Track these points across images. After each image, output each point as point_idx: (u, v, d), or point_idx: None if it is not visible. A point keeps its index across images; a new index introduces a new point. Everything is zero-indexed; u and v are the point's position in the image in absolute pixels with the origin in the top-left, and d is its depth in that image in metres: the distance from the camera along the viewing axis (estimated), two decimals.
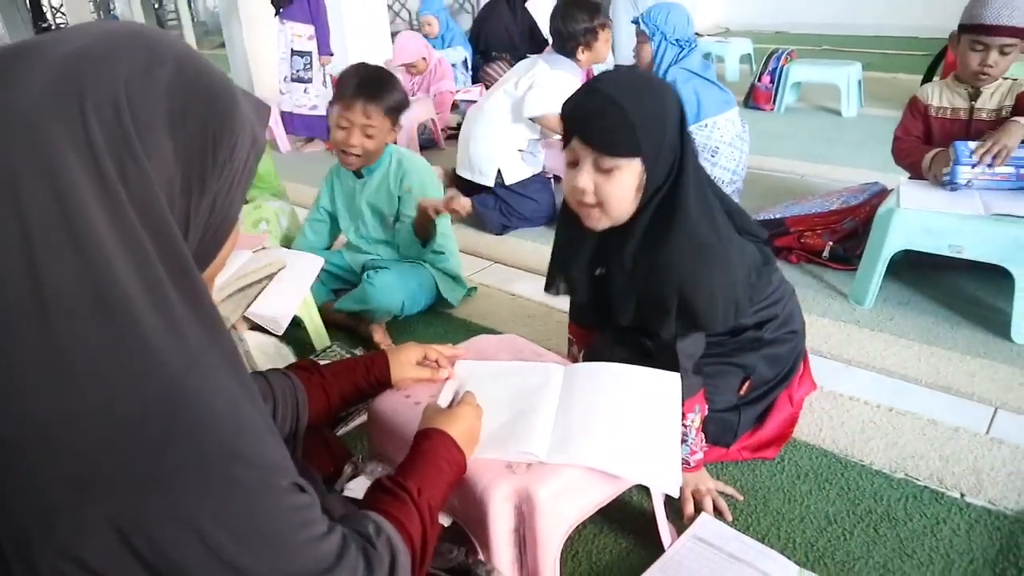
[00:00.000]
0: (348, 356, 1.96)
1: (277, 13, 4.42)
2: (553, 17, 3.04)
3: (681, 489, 1.42)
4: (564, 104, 1.30)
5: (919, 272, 2.42)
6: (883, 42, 7.58)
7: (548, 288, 1.59)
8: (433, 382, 1.31)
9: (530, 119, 2.99)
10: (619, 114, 1.20)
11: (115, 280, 0.56)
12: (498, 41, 5.58)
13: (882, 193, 2.61)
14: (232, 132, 0.66)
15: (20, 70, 0.57)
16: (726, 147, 3.08)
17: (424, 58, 4.56)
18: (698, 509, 1.45)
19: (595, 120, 1.23)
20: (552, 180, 3.22)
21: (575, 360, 1.62)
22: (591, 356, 1.48)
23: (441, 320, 2.34)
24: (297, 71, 4.48)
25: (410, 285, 2.24)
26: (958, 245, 2.10)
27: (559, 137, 3.69)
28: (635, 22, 3.02)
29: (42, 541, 0.54)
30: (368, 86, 2.10)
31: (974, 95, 2.33)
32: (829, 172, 3.63)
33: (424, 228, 2.22)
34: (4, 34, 10.79)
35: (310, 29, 4.40)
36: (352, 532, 0.75)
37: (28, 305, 0.54)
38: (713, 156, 3.08)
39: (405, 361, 1.30)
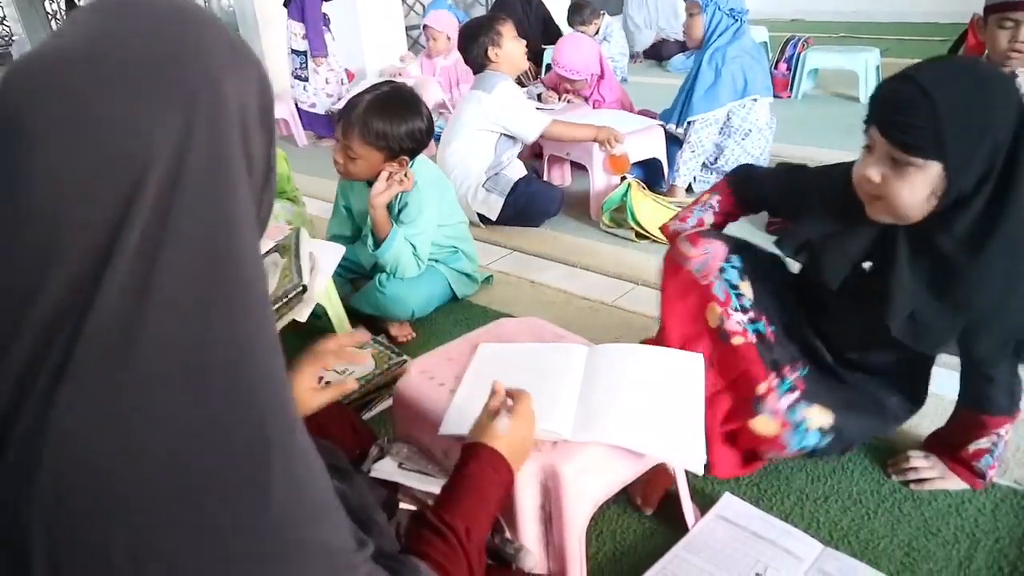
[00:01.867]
0: (373, 341, 1.98)
1: (286, 5, 4.45)
2: (464, 51, 3.03)
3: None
4: (877, 86, 1.21)
5: None
6: (901, 29, 7.51)
7: (788, 250, 1.41)
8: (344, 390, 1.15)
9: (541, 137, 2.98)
10: (927, 110, 1.08)
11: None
12: None
13: None
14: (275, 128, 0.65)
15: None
16: (757, 132, 3.08)
17: None
18: None
19: (897, 112, 1.12)
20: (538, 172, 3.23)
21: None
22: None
23: (460, 308, 2.35)
24: (295, 69, 4.51)
25: (421, 292, 2.22)
26: None
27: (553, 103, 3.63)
28: None
29: None
30: (365, 115, 1.99)
31: (1012, 75, 2.30)
32: (848, 158, 3.59)
33: (380, 227, 2.10)
34: (23, 37, 10.92)
35: (303, 28, 4.43)
36: None
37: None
38: (744, 139, 3.08)
39: (301, 394, 1.11)
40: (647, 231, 2.70)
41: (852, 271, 1.33)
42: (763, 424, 1.38)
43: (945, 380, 1.63)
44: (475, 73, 3.06)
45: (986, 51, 2.37)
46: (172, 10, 0.56)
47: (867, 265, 1.32)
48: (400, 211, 2.15)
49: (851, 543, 1.35)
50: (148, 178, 0.50)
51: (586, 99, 3.74)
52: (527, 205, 2.97)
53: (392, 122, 2.01)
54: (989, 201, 1.16)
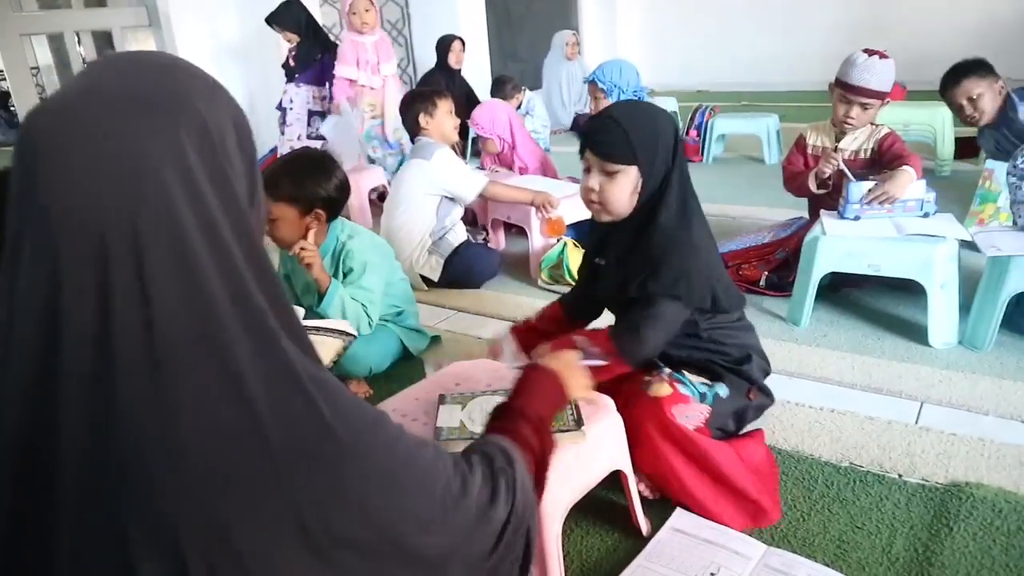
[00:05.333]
0: None
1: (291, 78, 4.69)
2: (402, 114, 3.28)
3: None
4: (586, 123, 1.60)
5: (842, 295, 2.69)
6: (795, 96, 8.16)
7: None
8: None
9: (481, 197, 3.19)
10: (619, 131, 1.55)
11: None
12: None
13: (806, 225, 2.88)
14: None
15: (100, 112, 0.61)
16: None
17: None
18: None
19: (601, 135, 1.58)
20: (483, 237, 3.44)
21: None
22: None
23: (413, 366, 2.46)
24: (313, 131, 4.76)
25: (376, 351, 2.32)
26: (876, 264, 2.36)
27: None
28: (589, 80, 3.30)
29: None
30: (274, 175, 2.07)
31: (839, 137, 2.70)
32: (757, 212, 3.93)
33: (321, 284, 2.17)
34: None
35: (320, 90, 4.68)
36: (482, 458, 0.84)
37: (141, 357, 0.60)
38: None
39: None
40: None
41: (593, 269, 1.76)
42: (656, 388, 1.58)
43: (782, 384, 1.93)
44: (411, 138, 3.29)
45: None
46: (166, 63, 0.69)
47: (599, 260, 1.75)
48: (346, 275, 2.25)
49: (790, 542, 1.51)
50: (151, 182, 0.60)
51: (509, 167, 3.99)
52: (468, 267, 3.13)
53: (301, 177, 2.11)
54: (656, 194, 1.58)
